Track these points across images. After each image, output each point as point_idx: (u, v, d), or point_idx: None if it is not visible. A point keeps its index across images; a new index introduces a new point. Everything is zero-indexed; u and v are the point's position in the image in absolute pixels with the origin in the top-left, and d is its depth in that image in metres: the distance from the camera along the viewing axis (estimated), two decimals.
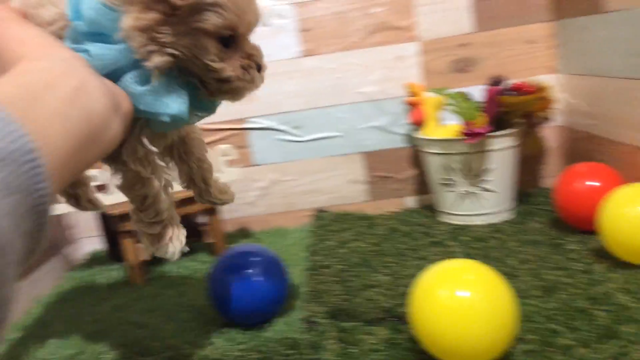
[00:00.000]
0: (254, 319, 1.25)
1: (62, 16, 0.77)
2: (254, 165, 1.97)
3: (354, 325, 1.19)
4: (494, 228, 1.65)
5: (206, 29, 0.75)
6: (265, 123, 1.94)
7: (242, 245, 1.32)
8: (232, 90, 0.82)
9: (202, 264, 1.71)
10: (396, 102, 1.91)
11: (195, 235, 1.85)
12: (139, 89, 0.75)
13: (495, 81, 1.62)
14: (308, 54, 1.90)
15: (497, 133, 1.61)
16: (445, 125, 1.79)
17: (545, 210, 1.73)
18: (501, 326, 0.94)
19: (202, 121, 2.03)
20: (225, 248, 1.76)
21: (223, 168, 1.70)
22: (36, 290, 1.66)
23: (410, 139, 1.93)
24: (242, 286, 1.24)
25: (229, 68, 0.80)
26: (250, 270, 1.25)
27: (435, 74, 1.89)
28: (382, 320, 1.19)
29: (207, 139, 1.92)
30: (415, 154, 1.94)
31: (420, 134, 1.80)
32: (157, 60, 0.75)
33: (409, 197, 1.99)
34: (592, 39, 1.63)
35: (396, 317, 1.18)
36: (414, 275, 1.38)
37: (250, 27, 0.81)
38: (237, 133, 1.94)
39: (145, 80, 0.76)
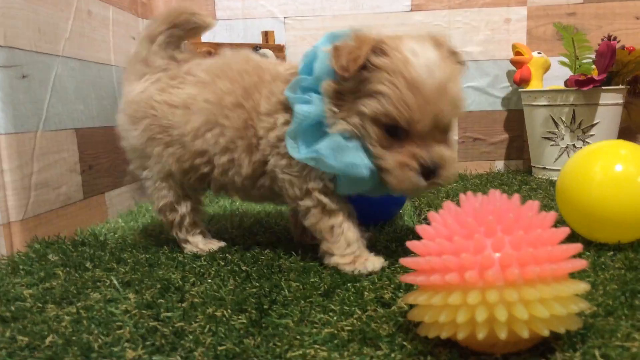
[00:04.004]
0: (373, 217, 1.26)
1: (294, 69, 0.97)
2: None
3: None
4: None
5: (367, 113, 0.84)
6: None
7: None
8: (388, 181, 0.86)
9: None
10: (498, 65, 1.95)
11: None
12: (348, 144, 0.87)
13: (611, 37, 1.65)
14: (417, 8, 1.96)
15: (606, 87, 1.63)
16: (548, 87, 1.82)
17: None
18: None
19: None
20: None
21: None
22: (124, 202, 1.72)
23: (509, 101, 1.96)
24: None
25: (387, 159, 0.84)
26: None
27: (539, 40, 1.93)
28: None
29: None
30: (512, 117, 1.96)
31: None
32: (338, 128, 0.87)
33: (499, 161, 2.01)
34: None
35: None
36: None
37: (422, 126, 0.82)
38: None
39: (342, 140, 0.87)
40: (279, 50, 1.92)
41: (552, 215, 0.63)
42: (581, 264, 0.61)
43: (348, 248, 0.94)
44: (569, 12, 1.92)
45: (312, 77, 0.89)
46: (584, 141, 1.68)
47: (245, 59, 1.03)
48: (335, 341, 0.67)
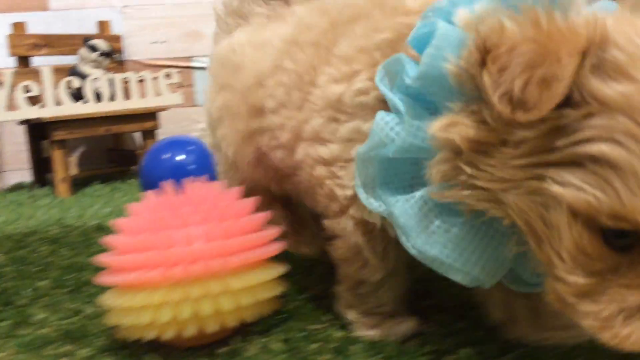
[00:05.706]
0: None
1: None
2: (196, 106, 1.97)
3: None
4: None
5: (563, 199, 0.39)
6: None
7: (175, 136, 1.33)
8: (585, 327, 0.41)
9: (131, 186, 1.68)
10: None
11: (130, 161, 1.82)
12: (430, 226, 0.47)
13: None
14: None
15: None
16: None
17: None
18: None
19: (146, 56, 1.99)
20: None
21: (164, 91, 1.71)
22: None
23: None
24: (175, 173, 1.23)
25: (604, 303, 0.40)
26: (185, 158, 1.25)
27: None
28: None
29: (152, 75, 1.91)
30: None
31: None
32: (460, 195, 0.44)
33: None
34: None
35: None
36: None
37: None
38: (182, 71, 1.94)
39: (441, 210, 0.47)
40: (115, 41, 1.85)
41: (250, 202, 0.63)
42: (276, 248, 0.61)
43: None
44: None
45: (412, 77, 0.46)
46: None
47: None
48: (38, 341, 0.64)
